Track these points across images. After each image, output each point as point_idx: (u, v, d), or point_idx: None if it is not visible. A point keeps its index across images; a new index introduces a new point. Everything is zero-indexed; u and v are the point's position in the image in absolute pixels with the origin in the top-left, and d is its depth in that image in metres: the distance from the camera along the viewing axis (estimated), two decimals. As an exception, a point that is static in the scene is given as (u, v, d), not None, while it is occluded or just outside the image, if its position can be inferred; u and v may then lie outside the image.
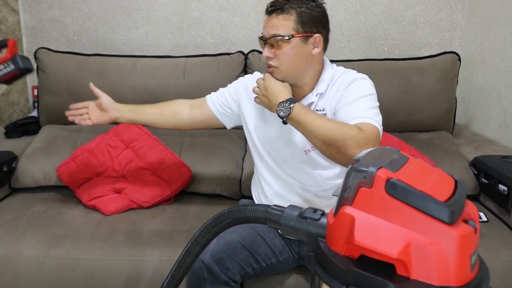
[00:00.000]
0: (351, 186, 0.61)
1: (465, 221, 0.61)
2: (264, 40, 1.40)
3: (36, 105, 2.47)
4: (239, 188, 2.06)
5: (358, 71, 2.31)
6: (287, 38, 1.36)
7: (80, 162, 2.02)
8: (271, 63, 1.40)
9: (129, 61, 2.32)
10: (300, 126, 1.31)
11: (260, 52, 2.29)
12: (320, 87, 1.46)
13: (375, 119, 1.32)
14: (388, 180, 0.59)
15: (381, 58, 2.47)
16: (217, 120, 1.67)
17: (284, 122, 1.33)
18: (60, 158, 2.07)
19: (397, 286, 0.56)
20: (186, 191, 2.06)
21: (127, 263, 1.64)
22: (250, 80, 1.61)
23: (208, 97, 1.70)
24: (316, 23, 1.39)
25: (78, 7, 2.52)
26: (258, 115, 1.56)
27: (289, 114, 1.30)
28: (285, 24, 1.36)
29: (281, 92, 1.36)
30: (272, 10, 1.38)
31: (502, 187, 1.82)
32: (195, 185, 2.06)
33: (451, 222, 0.58)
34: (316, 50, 1.41)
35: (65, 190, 2.05)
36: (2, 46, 1.54)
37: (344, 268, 0.58)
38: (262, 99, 1.40)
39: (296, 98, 1.47)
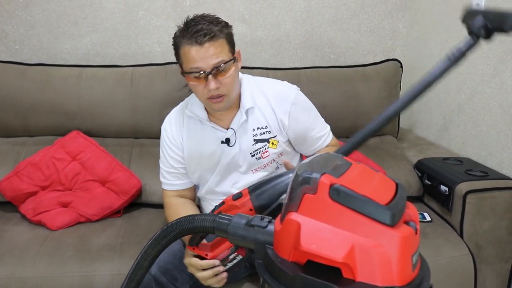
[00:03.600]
0: (296, 192, 0.62)
1: (406, 223, 0.64)
2: (204, 73, 1.30)
3: (-26, 117, 2.35)
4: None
5: (306, 79, 2.38)
6: (233, 61, 1.33)
7: (24, 176, 1.94)
8: (221, 92, 1.33)
9: (74, 71, 2.26)
10: None
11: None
12: (246, 103, 1.43)
13: (329, 129, 1.58)
14: (331, 185, 0.61)
15: (328, 65, 2.53)
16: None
17: None
18: (2, 172, 1.98)
19: (343, 289, 0.58)
20: (136, 203, 2.03)
21: (77, 279, 1.58)
22: (173, 118, 1.55)
23: (168, 186, 1.55)
24: (233, 39, 1.39)
25: (19, 14, 2.43)
26: (197, 145, 1.50)
27: None
28: (223, 49, 1.31)
29: None
30: (206, 40, 1.28)
31: (443, 187, 1.90)
32: (145, 196, 2.03)
33: (392, 224, 0.60)
34: (239, 65, 1.42)
35: (8, 206, 1.97)
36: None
37: (291, 274, 0.60)
38: None
39: (226, 120, 1.46)
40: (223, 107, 1.38)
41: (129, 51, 2.53)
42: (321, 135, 1.55)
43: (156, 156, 1.60)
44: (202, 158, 1.48)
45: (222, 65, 1.30)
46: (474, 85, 2.14)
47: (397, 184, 0.69)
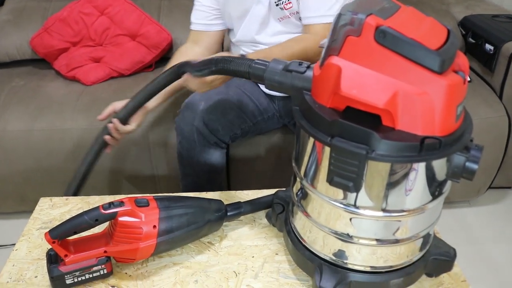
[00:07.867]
0: (339, 35, 0.58)
1: (455, 72, 0.60)
2: None
3: (-4, -27, 2.27)
4: (221, 47, 2.00)
5: None
6: None
7: (54, 32, 1.92)
8: None
9: None
10: None
11: None
12: None
13: (329, 18, 1.21)
14: (377, 27, 0.56)
15: None
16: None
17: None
18: (32, 29, 1.96)
19: (382, 136, 0.56)
20: (167, 57, 2.00)
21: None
22: None
23: (195, 26, 1.49)
24: None
25: None
26: None
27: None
28: None
29: None
30: None
31: (488, 46, 1.79)
32: (176, 49, 1.99)
33: (440, 71, 0.56)
34: None
35: (42, 63, 1.98)
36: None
37: (329, 120, 0.58)
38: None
39: None
40: None
41: None
42: (313, 15, 1.31)
43: (186, 10, 1.53)
44: (231, 3, 1.42)
45: None
46: None
47: (449, 31, 0.64)
